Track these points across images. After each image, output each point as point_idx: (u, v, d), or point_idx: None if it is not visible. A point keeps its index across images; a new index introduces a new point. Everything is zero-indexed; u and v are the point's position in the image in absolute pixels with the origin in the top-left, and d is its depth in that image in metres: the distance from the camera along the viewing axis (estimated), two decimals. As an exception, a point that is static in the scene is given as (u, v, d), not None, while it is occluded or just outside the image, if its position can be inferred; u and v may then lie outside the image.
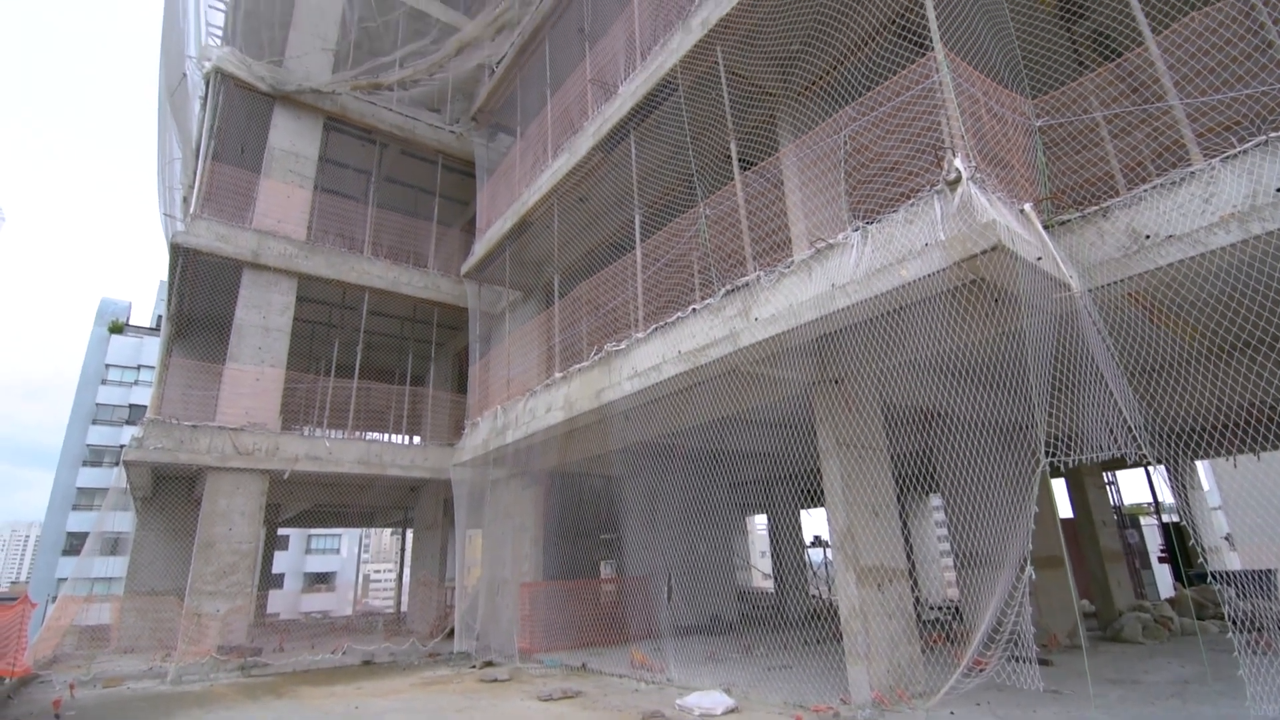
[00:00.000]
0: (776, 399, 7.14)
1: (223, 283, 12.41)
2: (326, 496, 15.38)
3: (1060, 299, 4.59)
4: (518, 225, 11.58)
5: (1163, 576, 15.80)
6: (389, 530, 34.26)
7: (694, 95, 7.73)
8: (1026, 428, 7.31)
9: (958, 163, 4.72)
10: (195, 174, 12.96)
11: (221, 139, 12.87)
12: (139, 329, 50.40)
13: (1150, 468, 11.29)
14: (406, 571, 18.56)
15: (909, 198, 5.17)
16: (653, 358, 7.16)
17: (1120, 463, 13.29)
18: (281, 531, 30.38)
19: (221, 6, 15.76)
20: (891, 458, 6.84)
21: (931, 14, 5.09)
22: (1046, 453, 4.75)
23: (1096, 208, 4.75)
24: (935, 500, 18.50)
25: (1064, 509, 11.28)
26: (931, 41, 5.06)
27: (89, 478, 45.07)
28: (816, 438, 6.70)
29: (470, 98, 15.74)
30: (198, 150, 13.32)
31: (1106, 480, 14.35)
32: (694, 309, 6.81)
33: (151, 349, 47.48)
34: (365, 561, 61.44)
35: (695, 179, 7.45)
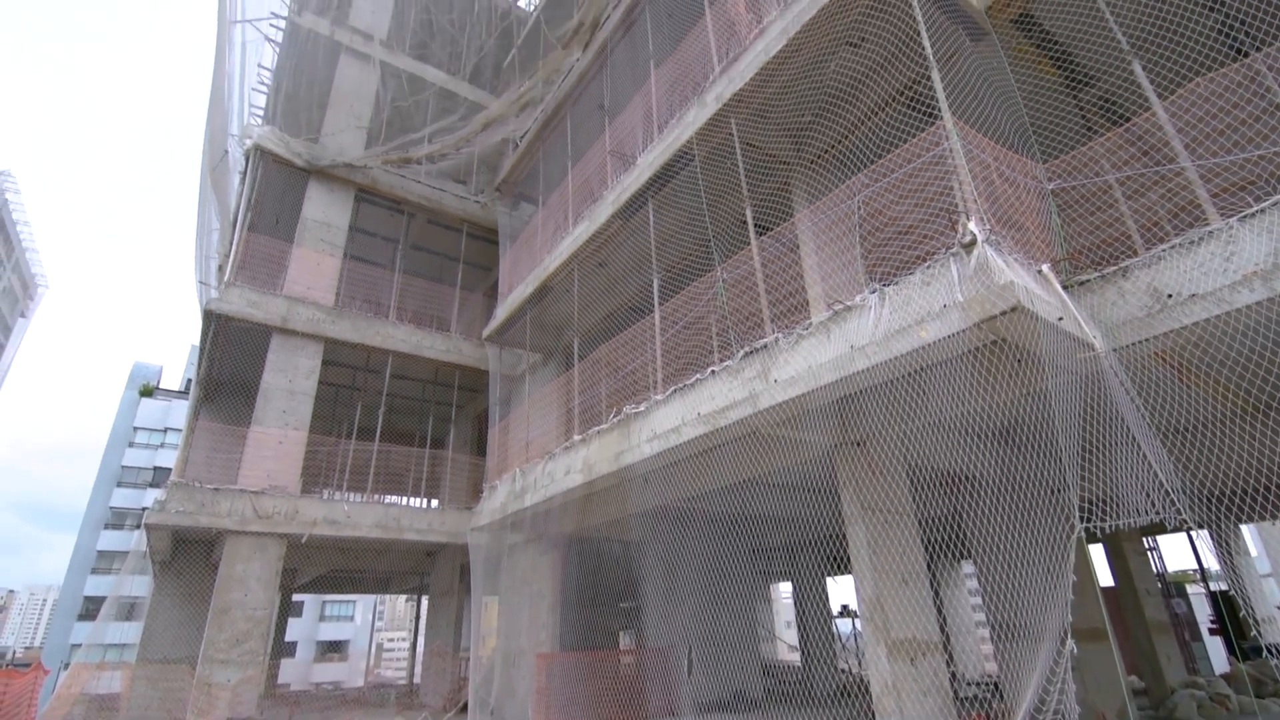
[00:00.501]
0: (798, 462, 7.03)
1: (252, 347, 12.74)
2: (343, 561, 15.23)
3: (1085, 359, 4.53)
4: (539, 290, 11.83)
5: (1215, 649, 14.83)
6: (404, 597, 33.62)
7: (710, 164, 7.99)
8: (1059, 491, 7.08)
9: (972, 226, 4.78)
10: (231, 244, 13.53)
11: (258, 211, 13.49)
12: (168, 392, 51.57)
13: (1192, 533, 10.80)
14: (420, 640, 18.09)
15: (925, 260, 5.22)
16: (672, 420, 7.14)
17: (1160, 528, 12.73)
18: (296, 598, 29.96)
19: (264, 89, 16.84)
20: (919, 523, 6.64)
21: (939, 86, 5.28)
22: (1081, 517, 4.59)
23: (1116, 268, 4.75)
24: (968, 567, 17.78)
25: (1104, 577, 10.77)
26: (940, 111, 5.22)
27: (110, 541, 45.20)
28: (840, 502, 6.55)
29: (495, 170, 16.41)
30: (235, 221, 13.96)
31: (1147, 546, 13.72)
32: (713, 371, 6.83)
33: (179, 412, 48.38)
34: (379, 629, 60.03)
35: (712, 244, 7.61)
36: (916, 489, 6.89)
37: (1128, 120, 5.31)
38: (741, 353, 6.50)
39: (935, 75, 5.37)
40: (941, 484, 7.63)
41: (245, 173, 13.84)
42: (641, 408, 7.80)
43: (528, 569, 11.97)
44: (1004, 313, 4.25)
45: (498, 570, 12.75)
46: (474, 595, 12.53)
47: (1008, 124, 5.91)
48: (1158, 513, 4.43)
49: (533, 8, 17.69)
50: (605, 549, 13.49)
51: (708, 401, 6.69)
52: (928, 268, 5.08)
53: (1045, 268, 5.08)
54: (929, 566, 6.61)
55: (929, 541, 6.90)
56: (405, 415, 17.99)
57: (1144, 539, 13.16)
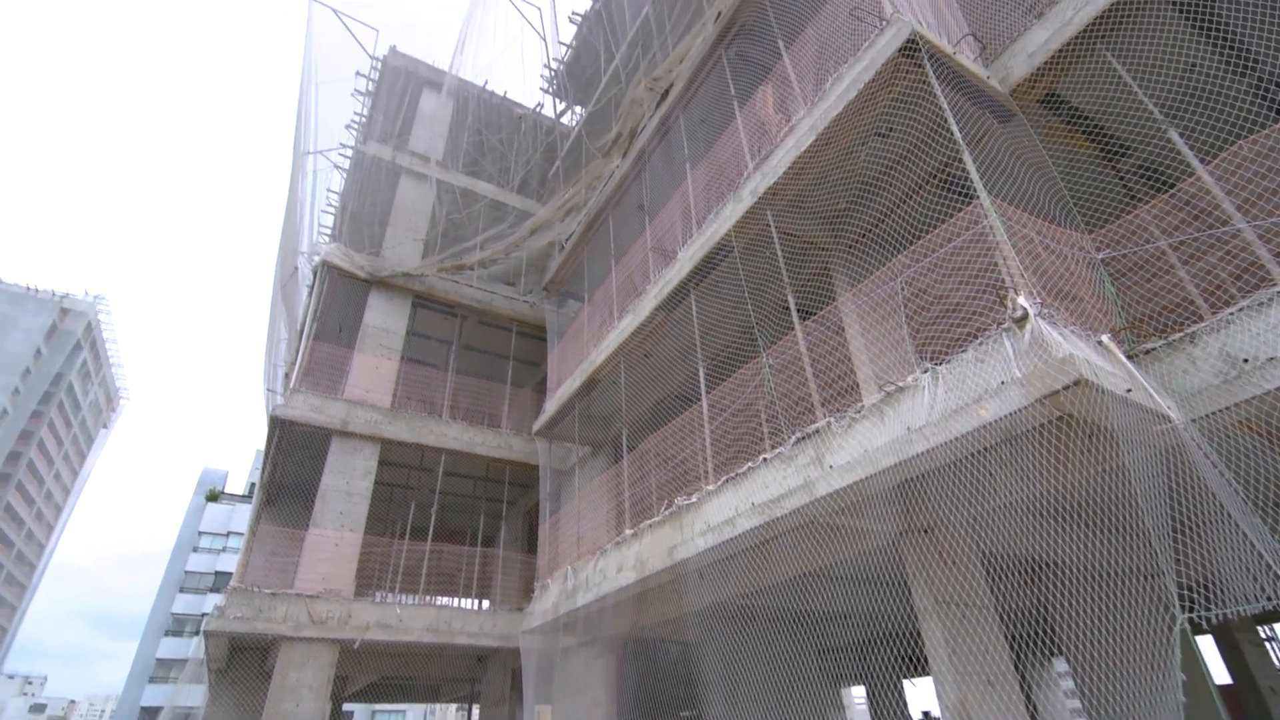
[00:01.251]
0: (861, 552, 6.68)
1: (313, 450, 13.17)
2: (393, 668, 14.87)
3: (1162, 431, 4.28)
4: (586, 383, 12.02)
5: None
6: (454, 705, 32.34)
7: (749, 254, 8.19)
8: (1154, 576, 6.48)
9: (1021, 300, 4.71)
10: (298, 352, 14.33)
11: (323, 320, 14.35)
12: (232, 497, 53.25)
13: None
14: (472, 755, 17.18)
15: (976, 336, 5.13)
16: (725, 511, 6.94)
17: (1276, 615, 11.39)
18: (346, 707, 29.17)
19: (331, 210, 18.36)
20: (1001, 616, 6.13)
21: (972, 168, 5.38)
22: (1182, 606, 4.16)
23: (1182, 334, 4.56)
24: (1061, 665, 16.10)
25: (1220, 673, 9.60)
26: (975, 191, 5.29)
27: (169, 648, 45.48)
28: (911, 595, 6.13)
29: (542, 271, 17.19)
30: (301, 331, 14.86)
31: (1264, 636, 12.24)
32: (765, 458, 6.69)
33: (241, 516, 49.71)
34: (429, 742, 57.45)
35: (756, 330, 7.66)
36: (994, 579, 6.42)
37: (1172, 186, 5.26)
38: (793, 438, 6.37)
39: (967, 158, 5.48)
40: (1022, 572, 7.09)
41: (312, 286, 14.86)
42: (693, 499, 7.64)
43: (582, 674, 11.43)
44: (1067, 387, 4.10)
45: (551, 675, 12.20)
46: (526, 703, 11.95)
47: (1047, 198, 5.93)
48: (1268, 598, 3.99)
49: (574, 123, 19.07)
50: (662, 651, 12.83)
51: (761, 490, 6.51)
52: (980, 344, 4.98)
53: (1106, 338, 4.92)
54: (1017, 665, 6.03)
55: (1014, 637, 6.33)
56: (456, 513, 18.03)
57: (1259, 628, 11.75)
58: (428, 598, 13.24)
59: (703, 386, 8.35)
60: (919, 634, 5.94)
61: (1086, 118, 6.35)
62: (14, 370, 61.27)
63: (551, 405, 13.60)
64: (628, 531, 9.01)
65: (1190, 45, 5.71)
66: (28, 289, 66.69)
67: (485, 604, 14.59)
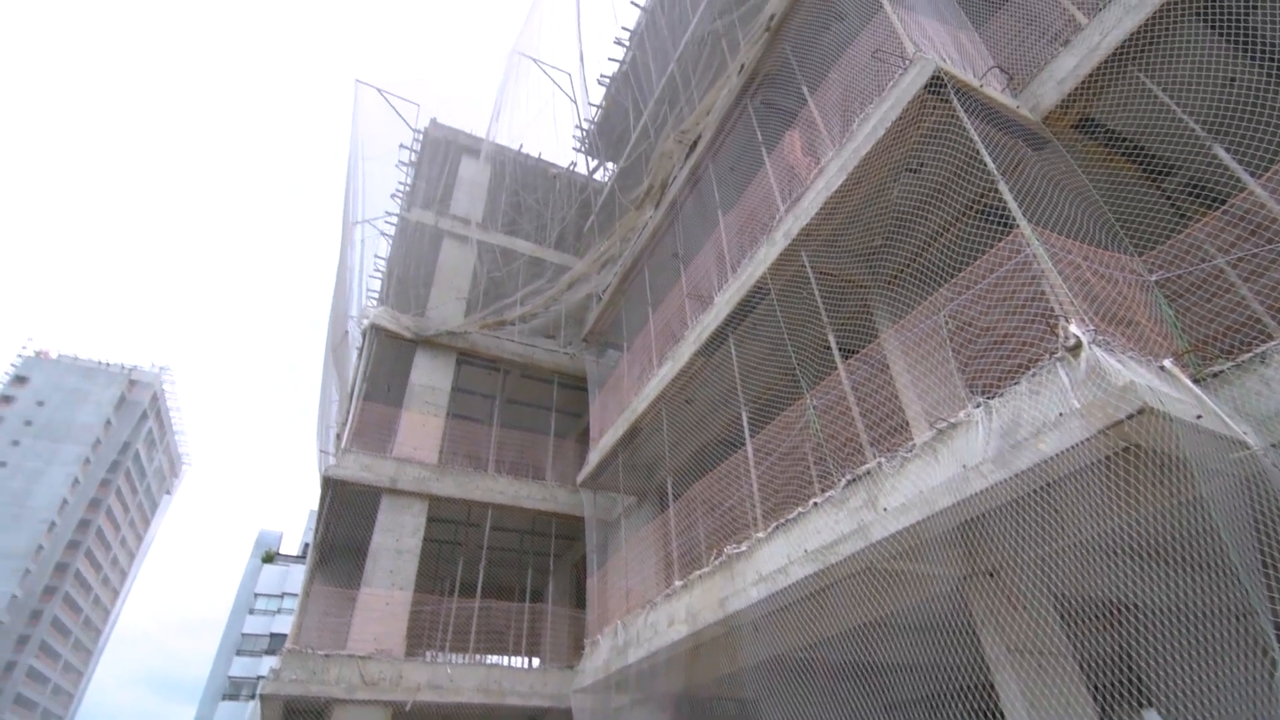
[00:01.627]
0: (924, 598, 6.37)
1: (363, 509, 13.39)
2: (445, 730, 14.62)
3: (1240, 458, 4.02)
4: (629, 432, 12.00)
5: None
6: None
7: (786, 295, 8.18)
8: (1246, 615, 5.97)
9: (1073, 328, 4.58)
10: (348, 413, 14.76)
11: (372, 381, 14.80)
12: (286, 558, 54.18)
13: None
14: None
15: (1027, 368, 4.97)
16: (777, 559, 6.74)
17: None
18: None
19: (378, 275, 19.16)
20: (1081, 664, 5.71)
21: (1009, 197, 5.32)
22: (1285, 649, 3.82)
23: (1251, 354, 4.34)
24: (1153, 716, 14.80)
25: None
26: (1014, 220, 5.21)
27: (226, 713, 45.75)
28: (981, 643, 5.79)
29: (581, 323, 17.48)
30: (351, 392, 15.33)
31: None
32: (815, 503, 6.51)
33: (295, 576, 50.43)
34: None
35: (798, 371, 7.58)
36: (1070, 623, 6.02)
37: (1224, 202, 5.08)
38: (844, 481, 6.20)
39: (1003, 187, 5.43)
40: (1100, 616, 6.63)
41: (361, 349, 15.40)
42: (743, 547, 7.45)
43: (636, 735, 11.02)
44: (1130, 416, 3.92)
45: (604, 737, 11.80)
46: (581, 767, 11.55)
47: (1091, 222, 5.79)
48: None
49: (607, 178, 19.68)
50: (719, 709, 12.31)
51: (813, 536, 6.32)
52: (1033, 375, 4.83)
53: (1168, 362, 4.71)
54: (1103, 718, 5.59)
55: (1098, 686, 5.88)
56: (504, 568, 17.95)
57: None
58: (477, 656, 13.08)
59: (746, 430, 8.24)
60: (993, 686, 5.58)
61: (1125, 139, 6.24)
62: (86, 440, 64.70)
63: (595, 455, 13.58)
64: (677, 583, 8.81)
65: (1227, 59, 5.60)
66: (99, 363, 70.93)
67: (535, 662, 14.33)
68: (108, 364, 71.24)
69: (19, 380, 65.69)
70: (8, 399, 64.36)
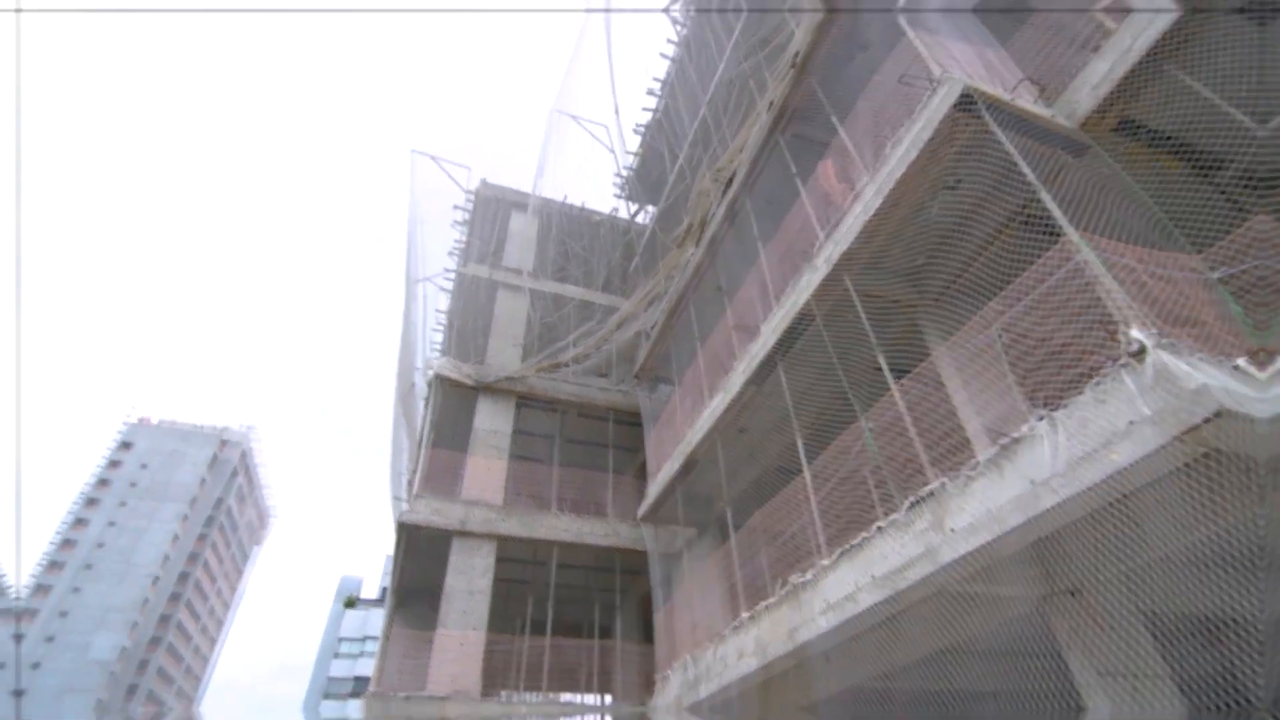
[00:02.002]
0: (1002, 621, 6.14)
1: (435, 553, 13.83)
2: (523, 773, 14.65)
3: (1330, 458, 3.81)
4: (685, 464, 12.05)
5: None
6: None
7: (833, 319, 8.18)
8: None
9: (1135, 333, 4.47)
10: (418, 460, 15.38)
11: (438, 429, 15.42)
12: (366, 602, 55.74)
13: None
14: None
15: (1090, 376, 4.85)
16: (844, 586, 6.63)
17: None
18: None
19: (440, 328, 20.10)
20: (1181, 686, 5.36)
21: (1053, 205, 5.27)
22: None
23: (1332, 348, 4.12)
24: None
25: None
26: (1060, 228, 5.15)
27: (316, 759, 46.72)
28: (1068, 667, 5.52)
29: (632, 360, 17.79)
30: (420, 440, 16.00)
31: None
32: (879, 527, 6.41)
33: (375, 620, 51.73)
34: None
35: (850, 394, 7.53)
36: (1164, 642, 5.66)
37: (1286, 191, 4.89)
38: (907, 503, 6.10)
39: (1045, 196, 5.40)
40: (1196, 632, 6.19)
41: (428, 398, 16.11)
42: (809, 575, 7.35)
43: (715, 775, 10.79)
44: (1208, 420, 3.80)
45: (683, 778, 11.59)
46: (661, 810, 11.36)
47: (1142, 223, 5.64)
48: None
49: (648, 220, 20.20)
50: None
51: (880, 562, 6.21)
52: (1098, 384, 4.71)
53: (1243, 361, 4.51)
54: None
55: (1198, 708, 5.49)
56: (571, 605, 18.04)
57: None
58: (550, 695, 13.15)
59: (803, 457, 8.20)
60: (1084, 712, 5.30)
61: (1169, 137, 6.08)
62: (184, 498, 69.08)
63: (653, 489, 13.65)
64: (744, 615, 8.73)
65: (1271, 43, 5.43)
66: (194, 426, 76.00)
67: (608, 698, 14.28)
68: (201, 426, 76.26)
69: (124, 446, 70.95)
70: (115, 464, 69.52)
